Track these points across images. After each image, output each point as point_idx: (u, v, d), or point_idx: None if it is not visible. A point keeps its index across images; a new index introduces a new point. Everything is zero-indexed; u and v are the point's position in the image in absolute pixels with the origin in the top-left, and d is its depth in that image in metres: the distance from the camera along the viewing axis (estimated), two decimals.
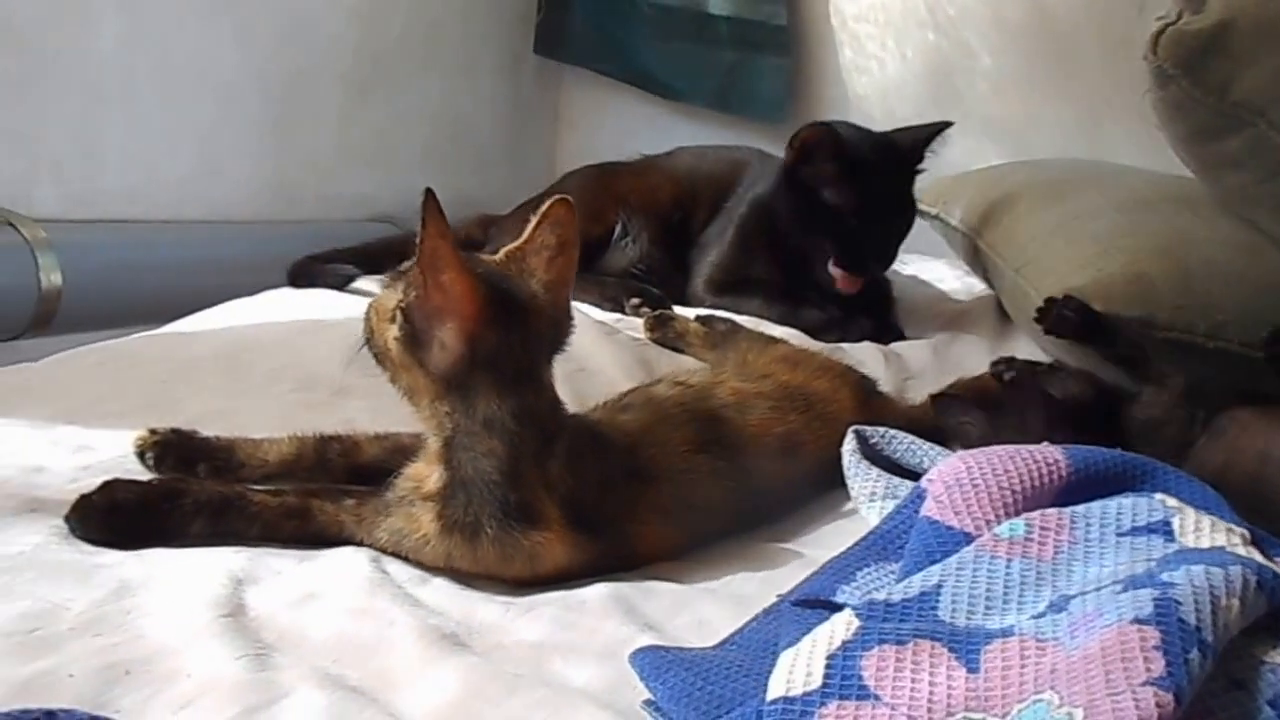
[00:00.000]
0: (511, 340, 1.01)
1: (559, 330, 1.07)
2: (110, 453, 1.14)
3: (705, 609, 0.99)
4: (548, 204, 1.07)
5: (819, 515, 1.23)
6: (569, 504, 1.03)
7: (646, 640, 0.89)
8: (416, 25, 3.02)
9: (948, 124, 2.05)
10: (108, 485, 1.00)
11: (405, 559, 1.02)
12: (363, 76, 2.89)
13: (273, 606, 0.90)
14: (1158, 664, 0.64)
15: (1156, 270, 1.55)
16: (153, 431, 1.14)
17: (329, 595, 0.93)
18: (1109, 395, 1.34)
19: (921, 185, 2.15)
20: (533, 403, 1.02)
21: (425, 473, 1.04)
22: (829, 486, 1.23)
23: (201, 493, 1.02)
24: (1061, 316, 1.42)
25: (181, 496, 1.01)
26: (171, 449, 1.13)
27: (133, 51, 2.36)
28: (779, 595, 0.97)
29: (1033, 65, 2.78)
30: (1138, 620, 0.68)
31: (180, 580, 0.91)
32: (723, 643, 0.91)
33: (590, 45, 3.29)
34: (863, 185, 1.96)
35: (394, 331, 1.02)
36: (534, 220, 1.06)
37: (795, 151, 1.99)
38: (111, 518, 0.98)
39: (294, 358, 1.51)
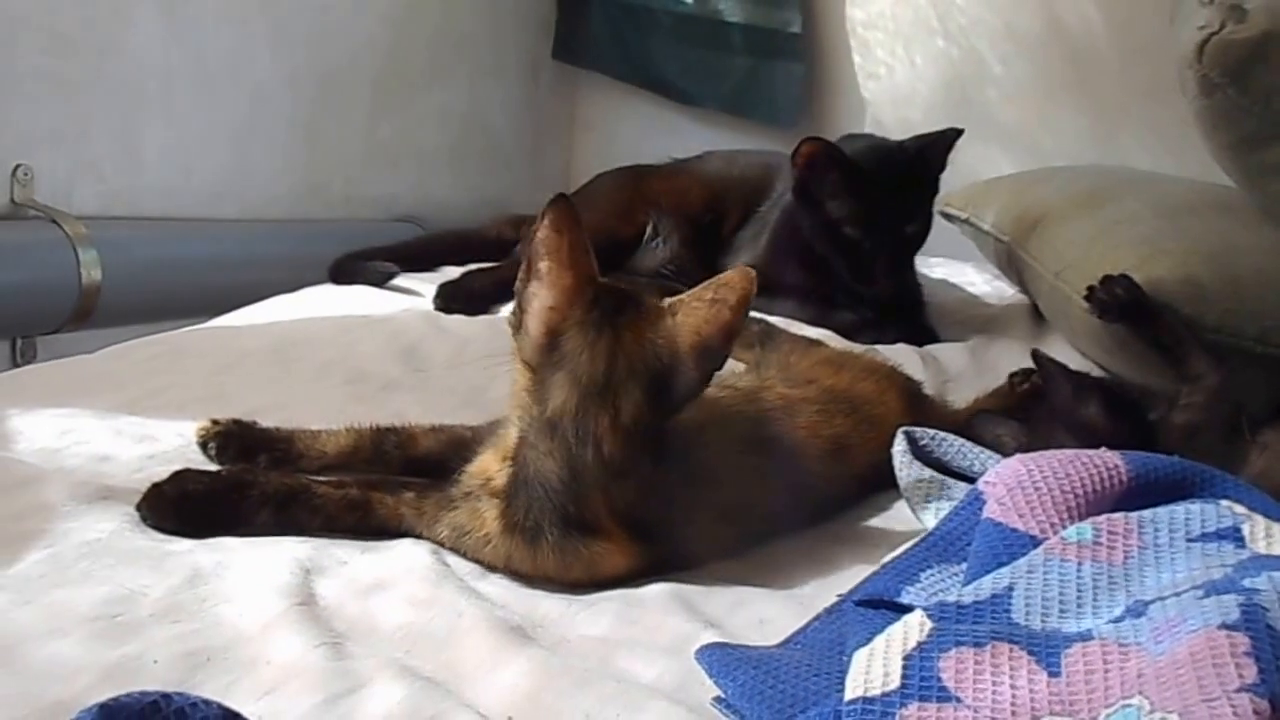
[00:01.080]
0: (594, 350, 1.00)
1: (667, 372, 1.02)
2: (172, 442, 1.16)
3: (764, 607, 0.99)
4: (732, 270, 1.04)
5: (870, 515, 1.23)
6: (628, 515, 1.02)
7: (709, 637, 0.90)
8: (441, 32, 3.06)
9: (959, 131, 2.03)
10: (178, 475, 1.02)
11: (464, 555, 1.03)
12: (390, 81, 2.93)
13: (341, 596, 0.91)
14: (1250, 670, 0.64)
15: (1205, 274, 1.54)
16: (215, 422, 1.15)
17: (395, 586, 0.94)
18: (1132, 405, 1.34)
19: (950, 190, 2.15)
20: (599, 429, 1.00)
21: (495, 468, 1.04)
22: (879, 487, 1.24)
23: (268, 484, 1.03)
24: (1111, 295, 1.43)
25: (249, 488, 1.02)
26: (233, 439, 1.14)
27: (170, 55, 2.39)
28: (840, 595, 0.97)
29: (1044, 73, 2.78)
30: (1225, 626, 0.68)
31: (251, 569, 0.92)
32: (786, 641, 0.92)
33: (608, 51, 3.32)
34: (867, 197, 1.95)
35: (508, 314, 1.04)
36: (714, 278, 1.03)
37: (799, 166, 1.98)
38: (182, 507, 1.00)
39: (341, 352, 1.53)
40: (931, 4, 2.90)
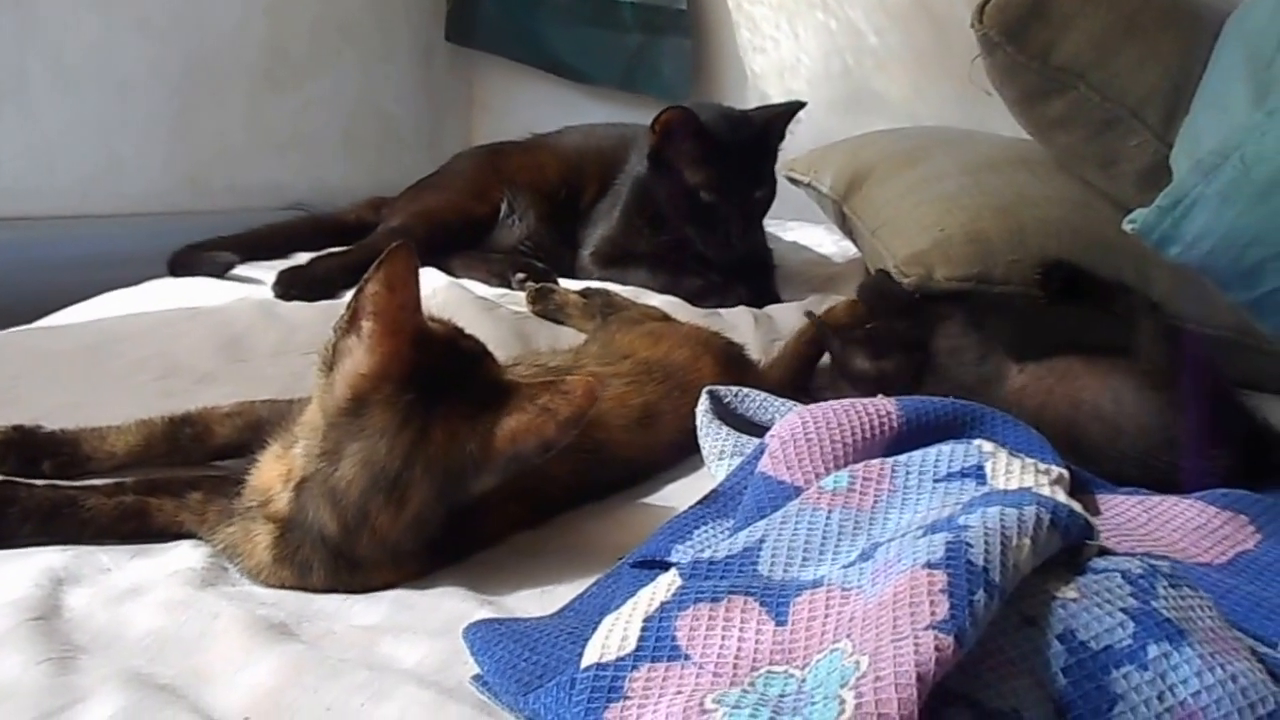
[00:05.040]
0: (395, 441, 0.93)
1: (469, 473, 0.95)
2: None
3: (549, 577, 0.98)
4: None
5: (680, 476, 1.22)
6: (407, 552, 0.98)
7: (484, 615, 0.88)
8: (323, 17, 3.02)
9: (801, 104, 2.10)
10: None
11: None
12: (271, 66, 2.88)
13: (92, 605, 0.87)
14: (942, 607, 0.64)
15: (993, 228, 1.60)
16: None
17: (154, 591, 0.90)
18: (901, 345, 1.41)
19: (796, 155, 2.21)
20: (379, 520, 0.94)
21: (276, 489, 0.97)
22: (692, 451, 1.22)
23: (29, 499, 0.98)
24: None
25: (8, 504, 0.97)
26: (12, 448, 1.09)
27: (24, 48, 2.31)
28: (620, 558, 0.96)
29: (913, 42, 2.90)
30: (929, 564, 0.68)
31: None
32: (561, 610, 0.90)
33: (500, 32, 3.33)
34: (720, 164, 1.98)
35: (324, 349, 0.97)
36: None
37: (657, 133, 2.00)
38: None
39: (160, 347, 1.48)
40: None
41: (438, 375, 0.95)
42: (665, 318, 1.63)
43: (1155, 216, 1.33)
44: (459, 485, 0.96)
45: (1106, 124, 1.61)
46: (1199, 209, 1.30)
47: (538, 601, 0.93)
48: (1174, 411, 1.17)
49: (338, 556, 0.95)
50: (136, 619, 0.86)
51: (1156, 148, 1.58)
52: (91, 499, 1.00)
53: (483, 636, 0.82)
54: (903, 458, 0.90)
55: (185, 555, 0.98)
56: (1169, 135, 1.54)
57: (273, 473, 0.99)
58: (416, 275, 0.95)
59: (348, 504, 0.94)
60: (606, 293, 1.77)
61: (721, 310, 1.87)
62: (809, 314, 1.49)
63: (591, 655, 0.72)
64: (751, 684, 0.67)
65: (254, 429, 1.12)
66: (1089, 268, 1.44)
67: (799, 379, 1.50)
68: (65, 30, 2.39)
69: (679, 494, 1.16)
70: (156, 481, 1.06)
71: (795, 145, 2.20)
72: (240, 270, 1.98)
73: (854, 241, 2.08)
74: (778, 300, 2.05)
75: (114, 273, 2.17)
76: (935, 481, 0.86)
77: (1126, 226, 1.37)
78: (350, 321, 0.94)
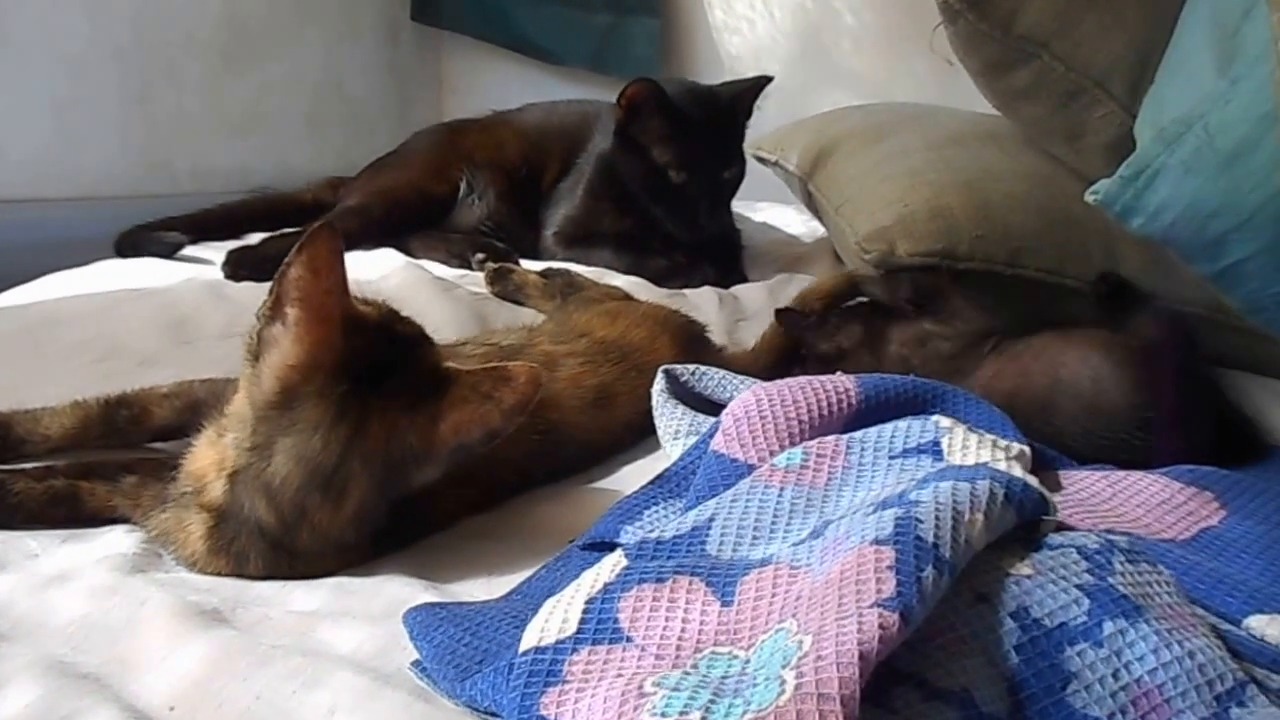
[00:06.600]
0: (330, 435, 0.88)
1: (410, 465, 0.92)
2: None
3: (497, 562, 0.95)
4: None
5: (635, 459, 1.20)
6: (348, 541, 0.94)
7: (428, 600, 0.85)
8: None
9: (768, 78, 2.07)
10: None
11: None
12: (231, 45, 2.82)
13: (15, 592, 0.84)
14: (889, 584, 0.62)
15: (957, 203, 1.57)
16: None
17: (82, 577, 0.87)
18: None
19: (764, 133, 2.18)
20: (317, 517, 0.90)
21: (210, 477, 0.93)
22: (649, 432, 1.19)
23: None
24: None
25: None
26: None
27: None
28: (572, 541, 0.94)
29: (887, 22, 2.91)
30: (877, 541, 0.65)
31: None
32: (507, 594, 0.88)
33: (467, 11, 3.29)
34: (689, 142, 1.94)
35: (248, 337, 0.92)
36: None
37: (623, 107, 1.96)
38: None
39: (102, 329, 1.44)
40: None
41: (372, 363, 0.91)
42: (626, 297, 1.59)
43: (1118, 187, 1.31)
44: (400, 478, 0.92)
45: (1071, 95, 1.58)
46: (1162, 179, 1.28)
47: (484, 587, 0.90)
48: (1153, 389, 1.15)
49: (276, 548, 0.92)
50: (61, 606, 0.83)
51: (1123, 119, 1.55)
52: (20, 483, 0.97)
53: (422, 621, 0.79)
54: (858, 434, 0.87)
55: (117, 540, 0.94)
56: (1135, 106, 1.51)
57: (206, 459, 0.95)
58: (342, 257, 0.89)
59: (284, 500, 0.90)
60: (568, 273, 1.74)
61: (686, 290, 1.84)
62: (779, 312, 1.49)
63: (530, 639, 0.69)
64: (694, 666, 0.64)
65: (193, 410, 1.09)
66: (1138, 284, 1.40)
67: (771, 372, 1.41)
68: (11, 7, 2.33)
69: (635, 476, 1.13)
70: (89, 465, 1.02)
71: (770, 128, 2.18)
72: (191, 251, 1.94)
73: (820, 219, 2.05)
74: (745, 280, 2.02)
75: (69, 257, 2.12)
76: (891, 458, 0.84)
77: (1089, 198, 1.35)
78: (274, 309, 0.89)
